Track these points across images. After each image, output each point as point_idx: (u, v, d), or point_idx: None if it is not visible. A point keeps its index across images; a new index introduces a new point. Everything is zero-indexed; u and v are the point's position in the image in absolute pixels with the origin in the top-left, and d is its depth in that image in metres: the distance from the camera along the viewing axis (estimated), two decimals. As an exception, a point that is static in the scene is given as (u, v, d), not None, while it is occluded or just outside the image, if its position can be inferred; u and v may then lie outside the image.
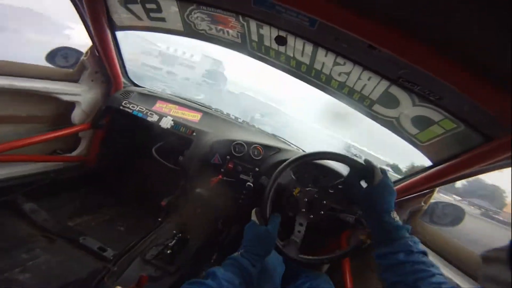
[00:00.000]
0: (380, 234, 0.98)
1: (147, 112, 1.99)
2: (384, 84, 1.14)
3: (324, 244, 1.87)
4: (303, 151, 1.91)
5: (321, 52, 1.21)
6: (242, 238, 1.14)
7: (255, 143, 1.75)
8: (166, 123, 1.95)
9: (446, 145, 1.21)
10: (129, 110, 1.99)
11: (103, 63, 1.90)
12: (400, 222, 0.98)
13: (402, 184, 1.49)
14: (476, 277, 1.20)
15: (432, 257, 1.36)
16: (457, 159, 1.16)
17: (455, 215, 1.49)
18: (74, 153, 2.13)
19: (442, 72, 0.82)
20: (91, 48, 1.84)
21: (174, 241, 1.53)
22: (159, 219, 1.94)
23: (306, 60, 1.32)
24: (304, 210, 1.30)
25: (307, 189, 1.41)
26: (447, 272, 1.25)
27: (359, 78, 1.21)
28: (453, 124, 1.09)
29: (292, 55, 1.34)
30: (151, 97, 2.14)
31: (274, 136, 2.03)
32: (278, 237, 1.19)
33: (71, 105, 1.95)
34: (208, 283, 0.86)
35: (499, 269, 0.49)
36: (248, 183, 1.63)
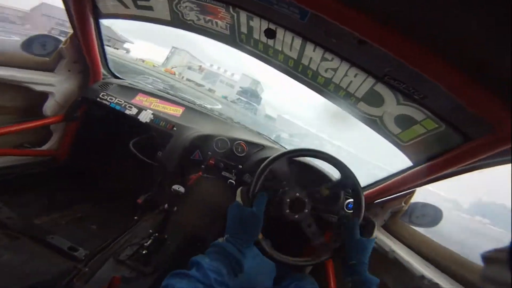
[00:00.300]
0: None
1: (125, 105, 1.90)
2: (370, 81, 1.14)
3: (306, 245, 1.86)
4: (285, 148, 1.89)
5: (309, 47, 1.20)
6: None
7: (239, 140, 1.71)
8: (145, 116, 1.86)
9: (426, 145, 1.23)
10: (106, 102, 1.89)
11: (82, 52, 1.79)
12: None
13: (383, 185, 1.50)
14: (453, 275, 1.22)
15: (412, 256, 1.38)
16: (437, 159, 1.18)
17: (434, 216, 1.52)
18: (44, 147, 1.99)
19: (430, 69, 0.82)
20: (71, 36, 1.73)
21: (150, 241, 1.45)
22: (135, 218, 1.85)
23: (294, 54, 1.31)
24: (297, 216, 1.22)
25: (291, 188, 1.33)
26: (426, 270, 1.26)
27: (345, 75, 1.20)
28: (435, 124, 1.10)
29: (280, 49, 1.33)
30: (132, 90, 2.05)
31: (258, 134, 2.00)
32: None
33: (44, 96, 1.82)
34: (192, 274, 0.79)
35: (499, 270, 0.49)
36: (230, 180, 1.59)
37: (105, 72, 2.09)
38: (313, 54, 1.23)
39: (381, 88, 1.14)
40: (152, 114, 1.87)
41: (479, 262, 1.22)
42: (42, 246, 1.41)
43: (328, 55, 1.18)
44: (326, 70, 1.26)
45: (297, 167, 1.60)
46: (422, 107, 1.07)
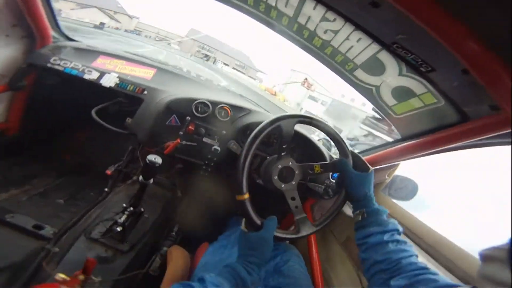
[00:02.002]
0: (369, 216, 1.01)
1: (84, 69, 1.65)
2: (374, 48, 1.04)
3: (286, 213, 1.86)
4: (270, 113, 1.79)
5: (309, 4, 1.05)
6: (206, 205, 1.05)
7: (222, 103, 1.55)
8: (109, 80, 1.64)
9: (420, 120, 1.20)
10: (59, 68, 1.63)
11: (23, 14, 1.49)
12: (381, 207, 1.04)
13: (369, 156, 1.49)
14: (426, 248, 1.27)
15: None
16: (429, 135, 1.17)
17: (411, 189, 1.56)
18: None
19: (452, 38, 0.73)
20: None
21: (124, 216, 1.33)
22: (106, 190, 1.70)
23: (289, 11, 1.15)
24: (283, 185, 1.18)
25: (273, 159, 1.28)
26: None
27: (347, 39, 1.09)
28: (434, 99, 1.06)
29: (274, 4, 1.16)
30: (91, 52, 1.79)
31: (241, 97, 1.86)
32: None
33: None
34: (194, 285, 0.80)
35: (497, 269, 0.48)
36: (214, 147, 1.47)
37: (56, 35, 1.78)
38: (312, 13, 1.08)
39: (384, 57, 1.05)
40: (118, 77, 1.65)
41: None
42: (3, 226, 1.27)
43: (330, 15, 1.04)
44: (325, 32, 1.13)
45: (293, 138, 1.54)
46: (426, 80, 1.01)
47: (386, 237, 0.92)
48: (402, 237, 0.97)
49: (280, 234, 1.09)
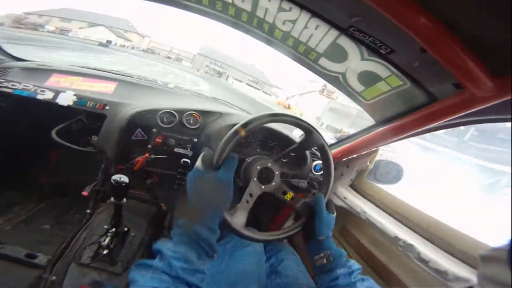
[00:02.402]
0: (334, 259, 0.95)
1: (36, 90, 1.56)
2: (333, 34, 1.01)
3: (274, 213, 1.84)
4: (248, 113, 1.75)
5: (264, -4, 1.02)
6: None
7: (189, 110, 1.49)
8: (66, 99, 1.55)
9: (390, 104, 1.18)
10: (7, 90, 1.53)
11: None
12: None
13: (348, 144, 1.47)
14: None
15: (383, 217, 1.39)
16: (401, 119, 1.15)
17: (396, 173, 1.54)
18: None
19: (404, 17, 0.70)
20: None
21: (108, 238, 1.29)
22: (88, 211, 1.66)
23: (247, 6, 1.11)
24: (255, 179, 1.09)
25: (258, 156, 1.22)
26: (399, 231, 1.28)
27: (305, 27, 1.05)
28: (400, 81, 1.03)
29: (230, 1, 1.12)
30: (42, 71, 1.69)
31: (214, 99, 1.80)
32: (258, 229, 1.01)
33: None
34: (155, 264, 0.67)
35: (497, 269, 0.48)
36: (183, 159, 1.42)
37: (0, 56, 1.70)
38: (268, 5, 1.04)
39: (344, 42, 1.01)
40: (75, 95, 1.57)
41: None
42: None
43: (285, 4, 1.00)
44: (284, 22, 1.09)
45: (258, 133, 1.49)
46: (388, 63, 0.98)
47: (353, 278, 0.89)
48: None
49: (271, 236, 1.03)
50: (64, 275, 1.20)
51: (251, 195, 1.07)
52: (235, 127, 0.93)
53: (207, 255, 0.75)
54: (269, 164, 1.11)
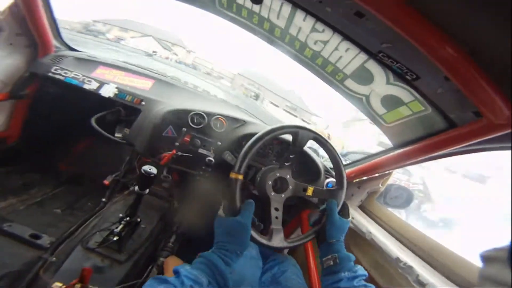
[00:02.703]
0: (340, 262, 1.00)
1: (84, 79, 1.69)
2: (362, 57, 1.07)
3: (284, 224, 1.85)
4: (266, 124, 1.81)
5: (299, 15, 1.09)
6: (203, 215, 1.03)
7: (218, 114, 1.57)
8: (108, 91, 1.67)
9: (409, 128, 1.22)
10: (60, 77, 1.67)
11: (27, 23, 1.55)
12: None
13: (362, 165, 1.50)
14: (428, 259, 1.26)
15: (387, 239, 1.41)
16: (419, 143, 1.18)
17: (406, 198, 1.56)
18: None
19: (432, 47, 0.76)
20: (10, 6, 1.49)
21: (121, 226, 1.33)
22: (103, 200, 1.72)
23: (281, 23, 1.19)
24: (273, 193, 1.16)
25: (270, 166, 1.27)
26: (402, 253, 1.28)
27: (336, 49, 1.12)
28: (421, 107, 1.08)
29: (267, 16, 1.20)
30: (91, 63, 1.83)
31: (238, 107, 1.89)
32: (259, 232, 1.06)
33: None
34: (170, 280, 0.78)
35: (498, 269, 0.48)
36: (209, 157, 1.49)
37: (58, 44, 1.84)
38: (302, 24, 1.13)
39: (372, 66, 1.08)
40: (116, 88, 1.68)
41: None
42: (1, 235, 1.28)
43: (319, 26, 1.08)
44: (315, 42, 1.17)
45: (279, 143, 1.56)
46: (412, 89, 1.04)
47: (356, 282, 0.92)
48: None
49: (256, 235, 1.05)
50: (66, 257, 1.23)
51: (276, 209, 1.14)
52: (230, 175, 1.06)
53: (217, 284, 0.86)
54: (278, 174, 1.18)
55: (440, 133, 1.08)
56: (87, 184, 2.03)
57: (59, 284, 0.99)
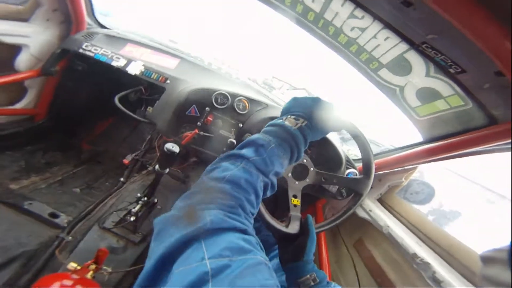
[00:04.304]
0: (320, 281, 0.94)
1: (112, 56, 1.69)
2: (402, 47, 1.02)
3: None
4: None
5: (337, 0, 1.04)
6: None
7: (241, 96, 1.55)
8: (135, 68, 1.66)
9: (444, 123, 1.18)
10: (90, 53, 1.67)
11: None
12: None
13: (388, 158, 1.47)
14: (447, 257, 1.24)
15: (405, 233, 1.39)
16: (452, 138, 1.15)
17: (427, 194, 1.54)
18: (17, 106, 1.76)
19: (491, 41, 0.72)
20: None
21: (138, 206, 1.34)
22: (121, 180, 1.72)
23: (316, 7, 1.14)
24: (293, 180, 1.16)
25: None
26: (419, 249, 1.27)
27: (374, 37, 1.07)
28: (461, 101, 1.03)
29: (301, -1, 1.15)
30: (120, 40, 1.82)
31: (258, 92, 1.85)
32: (275, 218, 1.05)
33: (16, 49, 1.58)
34: (248, 154, 0.72)
35: (498, 270, 0.48)
36: (230, 139, 1.47)
37: (90, 21, 1.83)
38: (340, 9, 1.07)
39: (412, 56, 1.03)
40: (143, 65, 1.67)
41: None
42: (20, 213, 1.31)
43: (358, 12, 1.03)
44: (352, 29, 1.12)
45: None
46: (454, 82, 0.99)
47: None
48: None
49: (273, 221, 1.06)
50: (83, 237, 1.26)
51: (295, 196, 1.15)
52: None
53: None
54: (305, 161, 1.18)
55: (479, 129, 1.03)
56: (108, 163, 2.06)
57: (74, 265, 1.00)
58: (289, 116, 0.85)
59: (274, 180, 0.75)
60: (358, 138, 1.15)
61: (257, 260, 0.47)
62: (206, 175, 0.68)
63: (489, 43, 0.73)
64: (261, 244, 0.58)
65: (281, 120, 0.83)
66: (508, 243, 0.48)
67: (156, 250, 0.49)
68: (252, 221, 0.65)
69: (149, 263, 0.48)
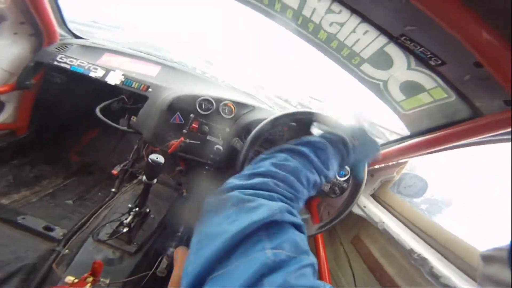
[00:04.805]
0: None
1: (89, 67, 1.64)
2: (381, 41, 1.00)
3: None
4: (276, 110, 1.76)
5: (313, -4, 1.02)
6: None
7: (226, 100, 1.52)
8: (114, 78, 1.62)
9: (429, 116, 1.16)
10: (66, 66, 1.63)
11: (30, 11, 1.49)
12: None
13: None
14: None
15: (401, 229, 1.38)
16: (439, 132, 1.13)
17: (420, 187, 1.52)
18: None
19: (467, 31, 0.69)
20: None
21: (130, 217, 1.32)
22: (112, 190, 1.70)
23: (294, 4, 1.11)
24: None
25: None
26: (415, 244, 1.26)
27: (353, 31, 1.05)
28: (444, 94, 1.01)
29: (277, -4, 1.13)
30: (97, 50, 1.78)
31: (246, 94, 1.82)
32: None
33: None
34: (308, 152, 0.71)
35: (498, 269, 0.48)
36: (217, 146, 1.45)
37: (63, 32, 1.79)
38: (317, 5, 1.05)
39: (392, 50, 1.01)
40: (123, 75, 1.63)
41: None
42: (15, 228, 1.30)
43: (335, 7, 1.00)
44: (330, 24, 1.09)
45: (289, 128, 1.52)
46: (436, 75, 0.97)
47: None
48: None
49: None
50: (78, 249, 1.24)
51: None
52: None
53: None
54: None
55: (463, 122, 1.02)
56: (97, 173, 2.04)
57: (72, 278, 1.00)
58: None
59: (324, 181, 0.75)
60: None
61: (310, 262, 0.46)
62: (263, 161, 0.67)
63: (465, 33, 0.70)
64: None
65: (341, 134, 0.84)
66: (508, 242, 0.47)
67: (221, 232, 0.47)
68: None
69: (212, 245, 0.45)
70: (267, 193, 0.56)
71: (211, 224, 0.51)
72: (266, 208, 0.50)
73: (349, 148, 0.81)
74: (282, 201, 0.56)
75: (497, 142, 1.01)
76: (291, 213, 0.53)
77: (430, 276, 1.12)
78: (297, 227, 0.52)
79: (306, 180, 0.65)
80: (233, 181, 0.60)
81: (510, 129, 0.86)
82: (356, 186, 1.23)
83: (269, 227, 0.48)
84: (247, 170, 0.64)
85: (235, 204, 0.52)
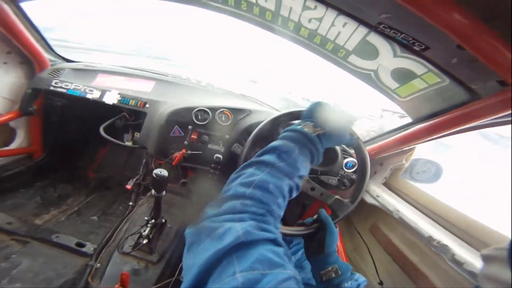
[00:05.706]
0: (342, 273, 0.92)
1: (85, 89, 1.70)
2: (362, 31, 0.96)
3: (304, 210, 1.84)
4: (277, 110, 1.74)
5: (287, -5, 0.99)
6: None
7: (221, 107, 1.53)
8: (111, 97, 1.67)
9: (428, 101, 1.10)
10: (62, 90, 1.69)
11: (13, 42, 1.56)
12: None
13: (382, 142, 1.41)
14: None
15: (417, 216, 1.33)
16: (441, 117, 1.07)
17: (434, 172, 1.44)
18: (12, 146, 1.84)
19: (438, 14, 0.65)
20: None
21: (148, 229, 1.39)
22: (130, 204, 1.79)
23: (270, 5, 1.09)
24: None
25: None
26: (433, 231, 1.21)
27: (332, 25, 1.01)
28: (437, 78, 0.96)
29: (254, 0, 1.11)
30: (89, 72, 1.83)
31: (243, 96, 1.82)
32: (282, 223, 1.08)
33: None
34: (271, 160, 0.69)
35: (499, 269, 0.47)
36: (216, 155, 1.48)
37: (52, 58, 1.85)
38: (292, 3, 1.02)
39: (375, 39, 0.96)
40: (119, 93, 1.68)
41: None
42: (51, 246, 1.41)
43: (310, 3, 0.97)
44: (309, 21, 1.06)
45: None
46: (423, 60, 0.91)
47: None
48: None
49: (290, 231, 1.06)
50: (108, 263, 1.33)
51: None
52: None
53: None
54: None
55: (464, 105, 0.95)
56: (116, 188, 2.14)
57: None
58: (308, 122, 0.83)
59: (299, 182, 0.74)
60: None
61: (287, 275, 0.46)
62: (233, 182, 0.67)
63: (436, 17, 0.66)
64: (288, 254, 0.57)
65: (300, 127, 0.81)
66: (508, 242, 0.46)
67: (192, 264, 0.49)
68: (280, 225, 0.64)
69: (187, 277, 0.48)
70: (237, 215, 0.56)
71: (188, 257, 0.53)
72: (233, 231, 0.50)
73: (311, 138, 0.77)
74: (253, 219, 0.55)
75: (503, 124, 0.93)
76: (263, 229, 0.53)
77: (453, 263, 1.07)
78: (272, 241, 0.52)
79: (277, 188, 0.64)
80: (207, 210, 0.61)
81: (510, 111, 0.79)
82: (361, 158, 1.19)
83: (237, 250, 0.48)
84: (221, 195, 0.64)
85: (208, 234, 0.53)
